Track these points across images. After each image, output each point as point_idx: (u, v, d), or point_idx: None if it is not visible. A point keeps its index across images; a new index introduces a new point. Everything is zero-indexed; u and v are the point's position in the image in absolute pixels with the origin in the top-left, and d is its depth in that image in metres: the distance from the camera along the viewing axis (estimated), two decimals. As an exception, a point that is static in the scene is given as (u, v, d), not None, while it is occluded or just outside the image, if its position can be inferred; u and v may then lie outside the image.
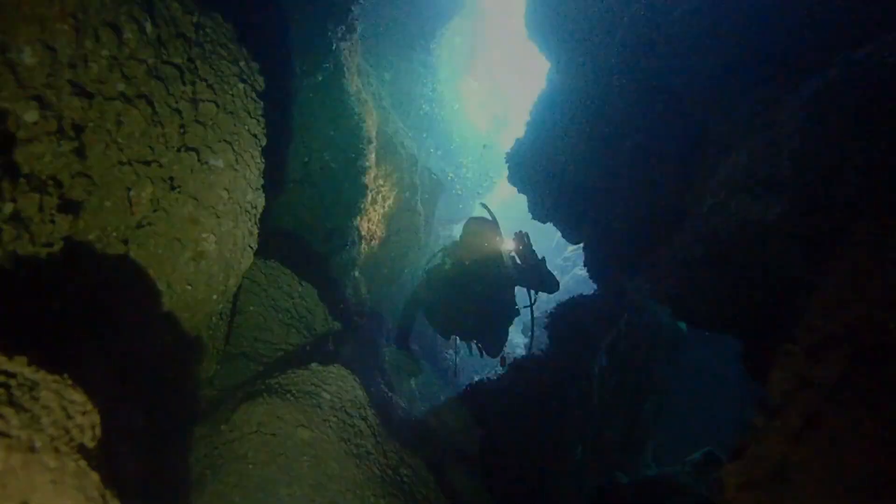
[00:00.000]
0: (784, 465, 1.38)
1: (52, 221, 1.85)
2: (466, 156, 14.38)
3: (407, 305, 5.22)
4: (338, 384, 3.34)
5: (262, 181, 3.01)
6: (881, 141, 2.24)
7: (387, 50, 9.87)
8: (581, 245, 6.50)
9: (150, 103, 2.25)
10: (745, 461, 1.52)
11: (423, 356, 9.03)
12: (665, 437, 5.48)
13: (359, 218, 6.51)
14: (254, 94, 2.92)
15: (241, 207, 2.80)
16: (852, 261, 1.67)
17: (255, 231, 3.01)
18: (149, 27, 2.23)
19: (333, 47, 5.26)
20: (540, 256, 4.60)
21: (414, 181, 8.63)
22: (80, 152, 1.95)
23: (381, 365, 7.23)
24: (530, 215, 6.70)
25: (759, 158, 2.95)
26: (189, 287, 2.55)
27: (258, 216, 3.02)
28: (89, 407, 1.27)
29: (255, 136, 2.90)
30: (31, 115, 1.77)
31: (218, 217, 2.62)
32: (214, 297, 2.74)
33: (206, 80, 2.56)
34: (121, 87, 2.09)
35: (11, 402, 1.13)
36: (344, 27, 5.43)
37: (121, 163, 2.12)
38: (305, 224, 5.66)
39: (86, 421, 1.24)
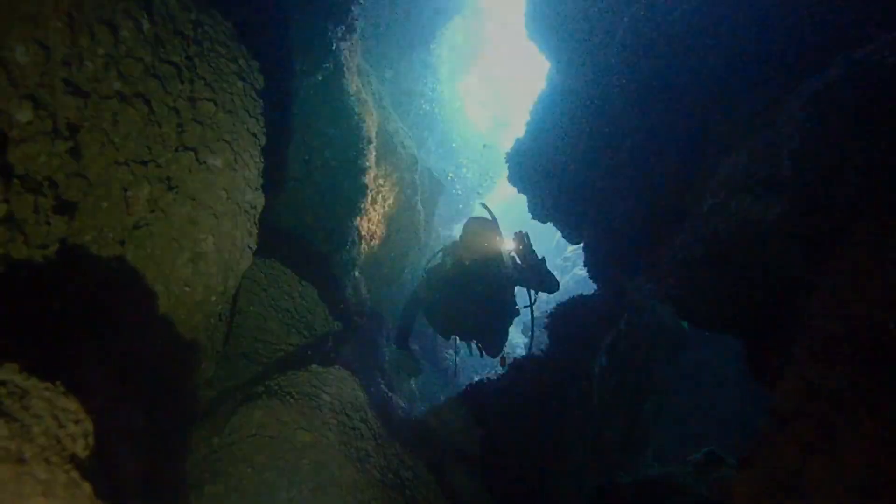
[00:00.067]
0: (797, 475, 1.37)
1: (48, 223, 1.84)
2: (466, 156, 14.39)
3: (407, 305, 5.21)
4: (338, 386, 3.33)
5: (261, 181, 3.00)
6: (881, 141, 2.23)
7: (387, 49, 9.86)
8: (581, 245, 6.49)
9: (148, 102, 2.24)
10: (756, 470, 1.51)
11: (423, 356, 9.02)
12: (665, 438, 5.46)
13: (359, 218, 6.50)
14: (253, 93, 2.90)
15: (239, 207, 2.79)
16: (852, 261, 1.66)
17: (255, 231, 2.99)
18: (146, 25, 2.22)
19: (333, 47, 5.24)
20: (540, 256, 4.59)
21: (414, 181, 8.62)
22: (75, 152, 1.94)
23: (381, 365, 7.23)
24: (530, 215, 6.70)
25: (759, 158, 2.94)
26: (187, 288, 2.54)
27: (257, 216, 3.00)
28: (82, 415, 1.24)
29: (254, 135, 2.89)
30: (24, 115, 1.75)
31: (216, 217, 2.61)
32: (213, 298, 2.73)
33: (204, 79, 2.55)
34: (117, 85, 2.08)
35: (1, 412, 1.10)
36: (344, 27, 5.42)
37: (117, 163, 2.11)
38: (305, 224, 5.66)
39: (78, 430, 1.20)
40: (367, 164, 6.22)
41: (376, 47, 9.47)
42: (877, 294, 1.52)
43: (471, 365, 10.22)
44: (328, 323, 4.45)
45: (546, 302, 9.28)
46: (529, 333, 5.50)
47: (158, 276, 2.40)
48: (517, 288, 4.98)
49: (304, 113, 5.38)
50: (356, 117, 5.93)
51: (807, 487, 1.33)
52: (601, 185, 5.25)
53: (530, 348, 5.91)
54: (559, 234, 7.00)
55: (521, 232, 4.62)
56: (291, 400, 3.01)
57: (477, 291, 4.75)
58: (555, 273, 4.81)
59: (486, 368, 9.85)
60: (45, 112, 1.81)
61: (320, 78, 5.36)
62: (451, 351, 8.65)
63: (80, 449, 1.20)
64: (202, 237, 2.54)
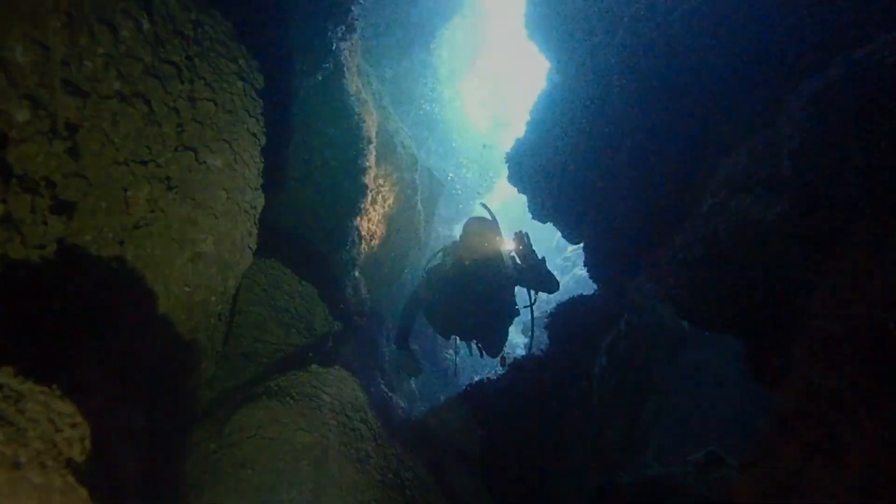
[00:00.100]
0: (798, 475, 1.37)
1: (45, 223, 1.83)
2: (466, 156, 14.39)
3: (407, 305, 5.21)
4: (338, 386, 3.33)
5: (261, 181, 2.99)
6: (881, 141, 2.22)
7: (387, 49, 9.86)
8: (581, 245, 6.48)
9: (147, 102, 2.24)
10: (758, 472, 1.51)
11: (423, 356, 9.02)
12: (665, 437, 5.46)
13: (359, 218, 6.50)
14: (253, 93, 2.90)
15: (239, 207, 2.79)
16: (852, 261, 1.66)
17: (255, 231, 2.99)
18: (146, 24, 2.21)
19: (333, 47, 5.24)
20: (540, 256, 4.59)
21: (414, 181, 8.62)
22: (74, 152, 1.93)
23: (381, 365, 7.23)
24: (530, 215, 6.69)
25: (759, 158, 2.94)
26: (187, 288, 2.54)
27: (257, 216, 3.00)
28: (79, 419, 1.22)
29: (254, 134, 2.89)
30: (22, 115, 1.75)
31: (216, 217, 2.61)
32: (213, 298, 2.73)
33: (204, 79, 2.55)
34: (117, 85, 2.08)
35: (-5, 416, 1.08)
36: (344, 27, 5.42)
37: (117, 163, 2.11)
38: (305, 224, 5.65)
39: (74, 434, 1.19)
40: (367, 164, 6.22)
41: (376, 47, 9.47)
42: (877, 294, 1.52)
43: (471, 365, 10.22)
44: (328, 323, 4.44)
45: (546, 302, 9.27)
46: (529, 333, 5.50)
47: (158, 276, 2.40)
48: (517, 288, 4.98)
49: (304, 113, 5.38)
50: (356, 117, 5.93)
51: (807, 487, 1.33)
52: (601, 185, 5.25)
53: (530, 348, 5.91)
54: (559, 234, 7.00)
55: (521, 232, 4.62)
56: (291, 401, 3.01)
57: (477, 291, 4.75)
58: (555, 273, 4.82)
59: (486, 368, 9.85)
60: (44, 112, 1.81)
61: (320, 78, 5.36)
62: (451, 351, 8.65)
63: (77, 453, 1.19)
64: (202, 237, 2.54)
